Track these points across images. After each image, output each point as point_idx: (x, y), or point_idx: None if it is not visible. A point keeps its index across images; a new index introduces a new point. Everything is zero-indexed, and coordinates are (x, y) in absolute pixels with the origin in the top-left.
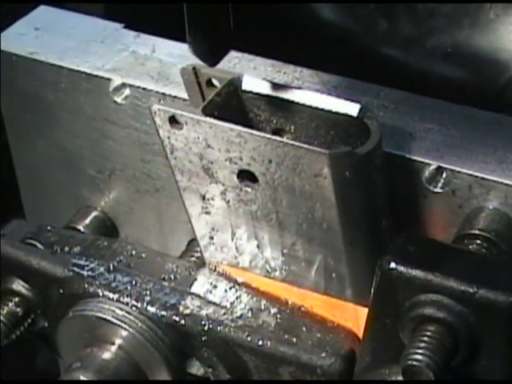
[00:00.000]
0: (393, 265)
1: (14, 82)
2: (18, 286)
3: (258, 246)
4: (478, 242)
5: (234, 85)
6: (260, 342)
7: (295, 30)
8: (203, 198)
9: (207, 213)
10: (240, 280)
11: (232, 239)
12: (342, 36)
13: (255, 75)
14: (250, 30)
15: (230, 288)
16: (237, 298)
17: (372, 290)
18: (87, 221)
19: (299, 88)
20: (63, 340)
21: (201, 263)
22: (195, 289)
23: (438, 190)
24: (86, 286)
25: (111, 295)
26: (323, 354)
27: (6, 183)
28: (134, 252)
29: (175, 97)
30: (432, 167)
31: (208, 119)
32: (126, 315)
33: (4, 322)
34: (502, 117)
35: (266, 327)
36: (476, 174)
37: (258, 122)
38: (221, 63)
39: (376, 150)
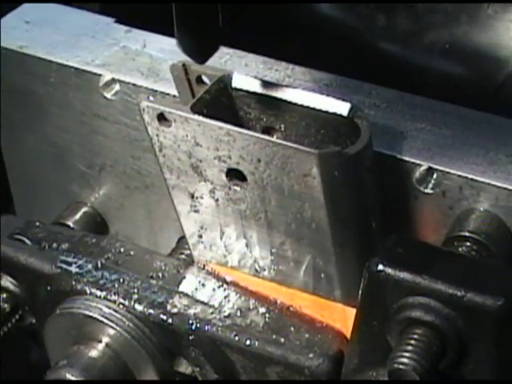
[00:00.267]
0: (381, 267)
1: (4, 75)
2: (6, 282)
3: (246, 245)
4: (468, 244)
5: (223, 82)
6: (248, 342)
7: (295, 26)
8: (192, 196)
9: (196, 211)
10: (229, 279)
11: (221, 238)
12: (341, 31)
13: (246, 72)
14: (250, 26)
15: (219, 287)
16: (225, 297)
17: (360, 292)
18: (77, 216)
19: (290, 86)
20: (50, 337)
21: (190, 261)
22: (183, 287)
23: (428, 190)
24: (74, 283)
25: (99, 293)
26: (311, 355)
27: None
28: (122, 249)
29: (165, 93)
30: (423, 168)
31: (196, 117)
32: (114, 313)
33: None
34: (494, 117)
35: (254, 327)
36: (466, 175)
37: (248, 120)
38: (212, 60)
39: (366, 150)
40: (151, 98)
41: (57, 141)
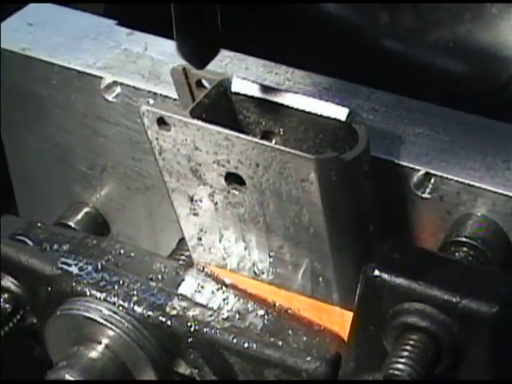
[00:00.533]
0: (377, 272)
1: (7, 77)
2: (7, 282)
3: (245, 248)
4: (465, 249)
5: (223, 86)
6: (246, 345)
7: (299, 25)
8: (191, 199)
9: (195, 214)
10: (228, 281)
11: (220, 241)
12: (345, 29)
13: (247, 75)
14: (254, 24)
15: (218, 289)
16: (224, 299)
17: (356, 297)
18: (79, 217)
19: (289, 91)
20: (51, 338)
21: (189, 263)
22: (182, 289)
23: (426, 195)
24: (74, 284)
25: (98, 294)
26: (309, 358)
27: (1, 178)
28: (122, 251)
29: (166, 96)
30: (420, 173)
31: (196, 121)
32: (113, 315)
33: None
34: (493, 122)
35: (252, 329)
36: (464, 180)
37: (247, 124)
38: (212, 63)
39: (363, 155)
40: (151, 102)
41: (59, 142)
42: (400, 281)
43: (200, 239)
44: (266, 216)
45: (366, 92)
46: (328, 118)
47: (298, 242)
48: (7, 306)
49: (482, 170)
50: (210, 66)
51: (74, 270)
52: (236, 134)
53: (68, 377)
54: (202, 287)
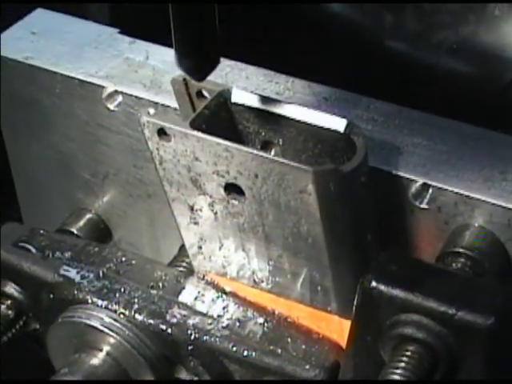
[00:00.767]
0: (374, 284)
1: (10, 85)
2: (10, 288)
3: (245, 257)
4: (462, 260)
5: (223, 97)
6: (245, 353)
7: (303, 26)
8: (191, 208)
9: (195, 223)
10: (228, 289)
11: (220, 249)
12: (349, 31)
13: (247, 84)
14: (261, 24)
15: (218, 297)
16: (224, 307)
17: (354, 308)
18: (81, 223)
19: (288, 102)
20: (53, 345)
21: (190, 271)
22: (183, 298)
23: (424, 205)
24: (76, 292)
25: (100, 302)
26: (307, 366)
27: (4, 184)
28: (123, 258)
29: (166, 106)
30: (418, 183)
31: (195, 133)
32: (114, 323)
33: None
34: (491, 133)
35: (251, 337)
36: (461, 191)
37: (246, 134)
38: (213, 72)
39: (361, 166)
40: (152, 111)
41: (61, 149)
42: (397, 292)
43: (200, 247)
44: (265, 226)
45: (366, 102)
46: (326, 129)
47: (296, 252)
48: (10, 312)
49: (479, 181)
50: (211, 75)
51: (76, 277)
52: (235, 145)
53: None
54: (203, 295)
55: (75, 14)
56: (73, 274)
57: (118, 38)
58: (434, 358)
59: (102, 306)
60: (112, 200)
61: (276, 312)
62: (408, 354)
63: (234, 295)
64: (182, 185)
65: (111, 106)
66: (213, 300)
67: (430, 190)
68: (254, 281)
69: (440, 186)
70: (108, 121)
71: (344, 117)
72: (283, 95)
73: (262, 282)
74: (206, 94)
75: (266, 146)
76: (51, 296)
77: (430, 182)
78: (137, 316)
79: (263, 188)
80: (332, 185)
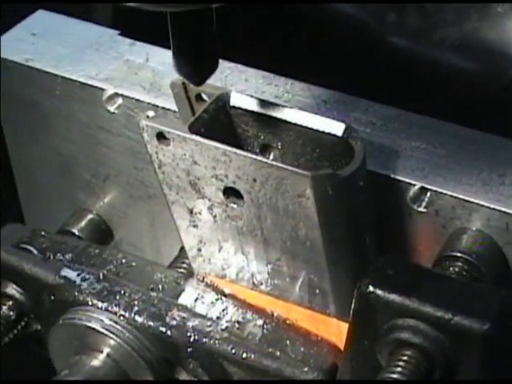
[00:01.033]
0: (371, 288)
1: (11, 87)
2: (12, 290)
3: (244, 260)
4: (459, 263)
5: (222, 100)
6: (244, 355)
7: (304, 23)
8: (191, 211)
9: (195, 226)
10: (227, 291)
11: (219, 252)
12: (352, 28)
13: (246, 87)
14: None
15: (217, 300)
16: (223, 309)
17: (351, 312)
18: (82, 224)
19: (286, 106)
20: (54, 346)
21: (189, 273)
22: (182, 300)
23: (422, 209)
24: (76, 294)
25: (100, 304)
26: (306, 369)
27: (6, 185)
28: (124, 260)
29: (167, 109)
30: (416, 187)
31: (194, 137)
32: (114, 325)
33: None
34: (490, 136)
35: (250, 339)
36: (459, 195)
37: (245, 138)
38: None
39: (359, 171)
40: (151, 114)
41: (62, 151)
42: (393, 297)
43: (200, 250)
44: (263, 229)
45: (364, 105)
46: (325, 133)
47: (295, 255)
48: (11, 313)
49: (477, 185)
50: (210, 78)
51: (76, 279)
52: (234, 149)
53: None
54: (202, 297)
55: (81, 14)
56: (73, 275)
57: (119, 40)
58: (430, 363)
59: (102, 308)
60: (113, 201)
61: (275, 314)
62: (404, 358)
63: (233, 297)
64: (181, 188)
65: (111, 109)
66: (212, 302)
67: (428, 194)
68: (253, 283)
69: (438, 189)
70: (108, 123)
71: (342, 121)
72: (282, 98)
73: (261, 284)
74: (205, 97)
75: (264, 149)
76: (52, 298)
77: (427, 186)
78: (137, 318)
79: (261, 192)
80: (330, 189)
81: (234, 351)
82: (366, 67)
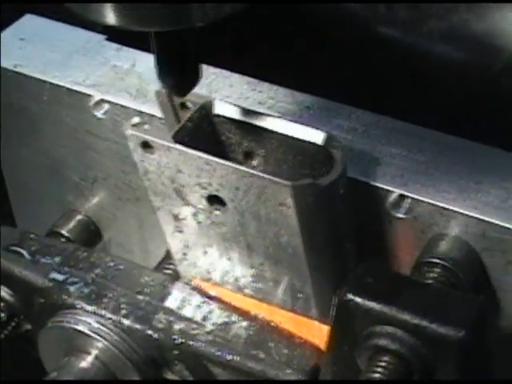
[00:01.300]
0: (350, 296)
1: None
2: (2, 292)
3: (228, 264)
4: (437, 269)
5: (206, 109)
6: (229, 357)
7: (296, 14)
8: (176, 217)
9: (180, 231)
10: (212, 294)
11: (204, 256)
12: (342, 20)
13: (230, 93)
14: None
15: (203, 303)
16: (209, 312)
17: (331, 319)
18: (71, 225)
19: (269, 114)
20: (44, 348)
21: (176, 276)
22: (169, 303)
23: (401, 215)
24: (65, 297)
25: (88, 307)
26: (289, 371)
27: None
28: (111, 264)
29: (152, 115)
30: (395, 194)
31: (178, 146)
32: (102, 327)
33: None
34: (470, 143)
35: (235, 342)
36: (437, 203)
37: (229, 145)
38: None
39: (339, 179)
40: (137, 120)
41: (51, 154)
42: (372, 305)
43: (185, 254)
44: (246, 236)
45: (347, 111)
46: (306, 141)
47: (277, 261)
48: (2, 314)
49: (455, 192)
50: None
51: (65, 282)
52: (216, 159)
53: None
54: (188, 300)
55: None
56: (62, 279)
57: (106, 45)
58: (408, 369)
59: (90, 311)
60: (102, 203)
61: (259, 317)
62: (383, 364)
63: (218, 300)
64: (166, 195)
65: (98, 114)
66: (198, 305)
67: (407, 201)
68: (238, 287)
69: (416, 197)
70: (96, 128)
71: (323, 129)
72: (266, 104)
73: (246, 288)
74: (189, 105)
75: (247, 156)
76: (42, 300)
77: (406, 193)
78: (124, 321)
79: (244, 200)
80: (310, 198)
81: (219, 353)
82: (356, 59)
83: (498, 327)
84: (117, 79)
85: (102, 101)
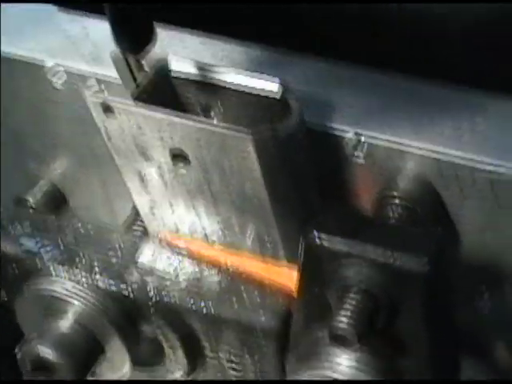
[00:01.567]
0: (316, 238)
1: None
2: None
3: (196, 217)
4: (397, 208)
5: (162, 67)
6: (203, 307)
7: None
8: (141, 176)
9: (145, 188)
10: (182, 248)
11: (171, 212)
12: None
13: (184, 52)
14: None
15: (174, 257)
16: (180, 266)
17: (299, 262)
18: (37, 192)
19: (223, 67)
20: (21, 314)
21: (144, 233)
22: (141, 260)
23: (359, 157)
24: (38, 263)
25: (62, 271)
26: (262, 315)
27: None
28: (80, 227)
29: (109, 80)
30: (352, 136)
31: (138, 108)
32: (77, 289)
33: None
34: (419, 84)
35: (208, 292)
36: (393, 142)
37: (187, 101)
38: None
39: (298, 127)
40: (93, 82)
41: (10, 125)
42: (338, 245)
43: (153, 211)
44: (212, 189)
45: (298, 60)
46: (262, 94)
47: (244, 211)
48: None
49: (410, 131)
50: None
51: (36, 248)
52: (177, 117)
53: (41, 347)
54: (159, 256)
55: None
56: (33, 245)
57: (58, 15)
58: (375, 303)
59: (63, 274)
60: (64, 168)
61: (230, 267)
62: (351, 301)
63: (188, 253)
64: (131, 155)
65: (55, 82)
66: (169, 259)
67: (364, 142)
68: (206, 238)
69: (373, 137)
70: (53, 96)
71: (277, 80)
72: (220, 61)
73: (214, 238)
74: (145, 65)
75: (207, 110)
76: (14, 266)
77: (362, 133)
78: (98, 281)
79: (207, 155)
80: (272, 148)
81: (193, 305)
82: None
83: (456, 260)
84: (71, 47)
85: (58, 68)
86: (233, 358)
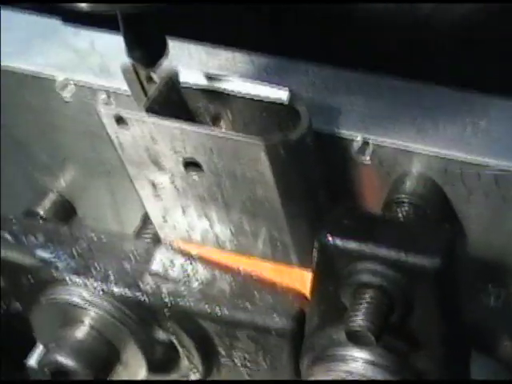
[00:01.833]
0: (329, 238)
1: None
2: None
3: (208, 223)
4: (405, 206)
5: (171, 79)
6: (218, 311)
7: None
8: (154, 184)
9: (158, 197)
10: (194, 254)
11: (183, 218)
12: None
13: (191, 63)
14: None
15: (186, 263)
16: (193, 271)
17: (313, 262)
18: (46, 204)
19: (231, 77)
20: (37, 324)
21: (157, 241)
22: (154, 267)
23: (366, 160)
24: (53, 272)
25: (77, 279)
26: (275, 317)
27: None
28: (93, 236)
29: (119, 92)
30: (359, 140)
31: (151, 118)
32: (93, 297)
33: None
34: (422, 86)
35: (221, 295)
36: (399, 144)
37: (196, 110)
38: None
39: (307, 133)
40: (104, 97)
41: (19, 138)
42: (351, 244)
43: (165, 218)
44: (223, 195)
45: (304, 67)
46: (270, 100)
47: (255, 215)
48: None
49: (414, 132)
50: None
51: (51, 258)
52: (189, 126)
53: (59, 357)
54: (172, 262)
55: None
56: (48, 255)
57: (63, 29)
58: (389, 300)
59: (79, 282)
60: (73, 180)
61: (241, 270)
62: (366, 298)
63: (200, 258)
64: (143, 164)
65: (65, 96)
66: (182, 266)
67: (370, 145)
68: (218, 243)
69: (379, 140)
70: (63, 109)
71: (285, 87)
72: (226, 70)
73: (226, 243)
74: (155, 77)
75: (217, 119)
76: (30, 278)
77: (369, 137)
78: (114, 289)
79: (219, 162)
80: (282, 153)
81: (208, 308)
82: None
83: (463, 255)
84: (79, 60)
85: (68, 82)
86: (247, 359)
